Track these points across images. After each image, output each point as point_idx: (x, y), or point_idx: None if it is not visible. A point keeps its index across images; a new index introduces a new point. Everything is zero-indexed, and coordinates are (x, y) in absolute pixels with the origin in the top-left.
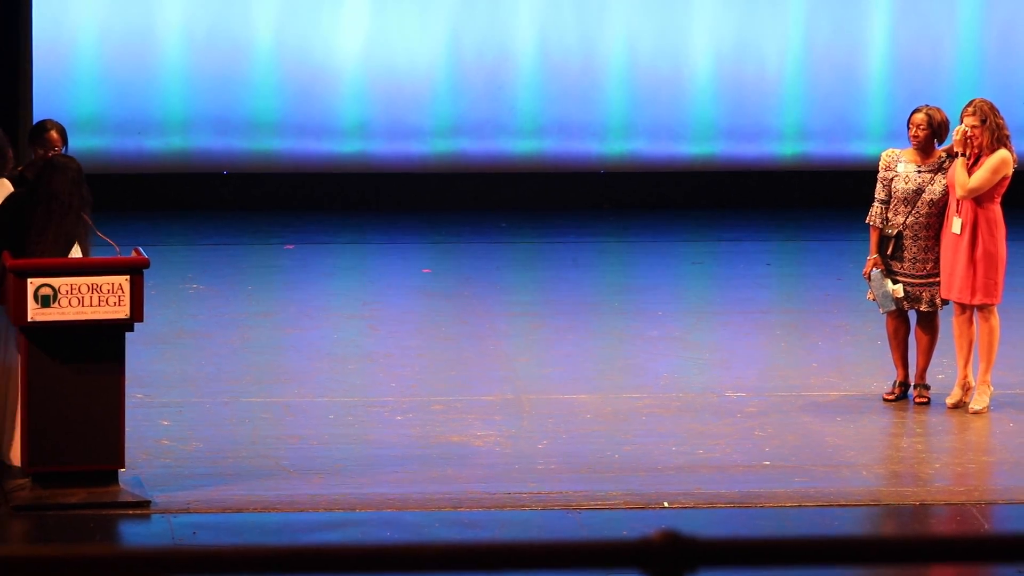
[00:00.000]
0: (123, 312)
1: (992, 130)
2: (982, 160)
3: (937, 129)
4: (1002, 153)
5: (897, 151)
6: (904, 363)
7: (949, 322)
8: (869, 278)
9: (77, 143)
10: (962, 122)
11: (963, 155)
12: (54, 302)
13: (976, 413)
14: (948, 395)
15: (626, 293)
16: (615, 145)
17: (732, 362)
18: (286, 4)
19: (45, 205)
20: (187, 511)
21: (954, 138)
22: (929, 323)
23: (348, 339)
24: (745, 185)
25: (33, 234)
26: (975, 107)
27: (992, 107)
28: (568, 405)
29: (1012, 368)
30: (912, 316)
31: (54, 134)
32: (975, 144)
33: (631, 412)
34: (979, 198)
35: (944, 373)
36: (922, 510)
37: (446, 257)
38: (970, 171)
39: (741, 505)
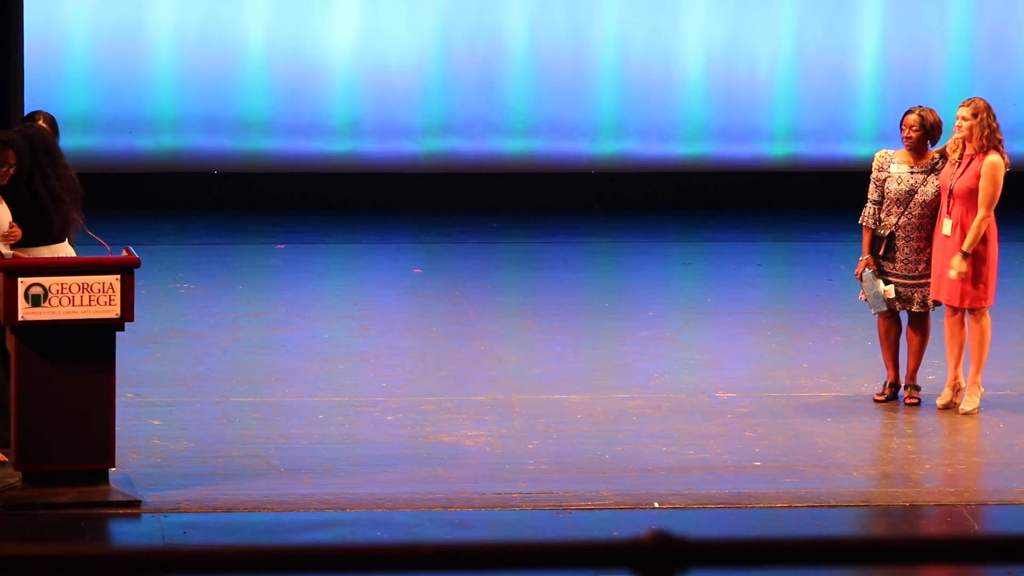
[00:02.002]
0: (114, 311)
1: (983, 127)
2: (972, 164)
3: (930, 130)
4: (992, 159)
5: (890, 152)
6: (895, 364)
7: (940, 323)
8: (861, 279)
9: (68, 142)
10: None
11: (955, 154)
12: (44, 301)
13: (966, 414)
14: (938, 396)
15: (617, 293)
16: (606, 145)
17: (723, 363)
18: (277, 3)
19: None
20: (177, 510)
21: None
22: (920, 324)
23: (339, 339)
24: (736, 186)
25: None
26: (971, 101)
27: (988, 107)
28: (559, 405)
29: (1002, 369)
30: (904, 317)
31: (43, 125)
32: (962, 136)
33: (621, 412)
34: (970, 200)
35: (935, 374)
36: (912, 511)
37: (437, 257)
38: (960, 173)
39: (731, 505)
